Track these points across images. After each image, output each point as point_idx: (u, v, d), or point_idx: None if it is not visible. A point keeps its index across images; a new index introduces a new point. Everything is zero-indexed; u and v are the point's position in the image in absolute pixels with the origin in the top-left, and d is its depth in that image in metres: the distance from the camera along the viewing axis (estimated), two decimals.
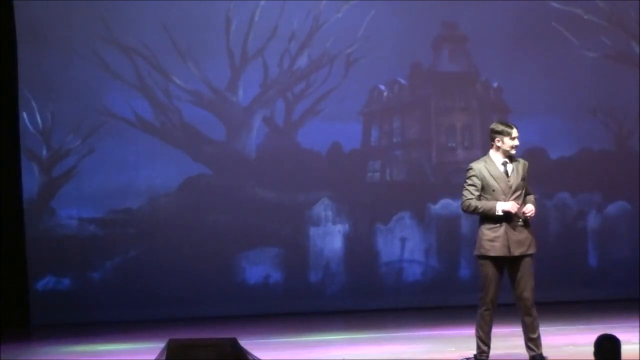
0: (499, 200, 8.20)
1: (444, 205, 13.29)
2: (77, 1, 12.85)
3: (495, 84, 13.45)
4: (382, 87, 13.35)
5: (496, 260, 8.23)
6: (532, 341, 8.34)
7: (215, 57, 13.07)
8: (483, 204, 8.21)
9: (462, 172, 13.35)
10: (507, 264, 8.28)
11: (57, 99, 12.86)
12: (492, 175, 8.26)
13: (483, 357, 8.40)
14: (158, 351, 6.96)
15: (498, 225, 8.19)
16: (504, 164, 8.30)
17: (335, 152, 13.26)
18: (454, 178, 13.32)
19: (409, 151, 13.38)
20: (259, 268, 13.11)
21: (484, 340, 8.38)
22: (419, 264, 13.31)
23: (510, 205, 8.14)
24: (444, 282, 13.28)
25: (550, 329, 8.83)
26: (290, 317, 12.72)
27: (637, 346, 8.70)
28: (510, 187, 8.23)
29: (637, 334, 9.35)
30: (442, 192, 13.30)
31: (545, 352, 8.41)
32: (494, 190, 8.23)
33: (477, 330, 8.42)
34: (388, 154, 13.34)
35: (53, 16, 12.82)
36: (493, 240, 8.20)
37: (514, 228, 8.20)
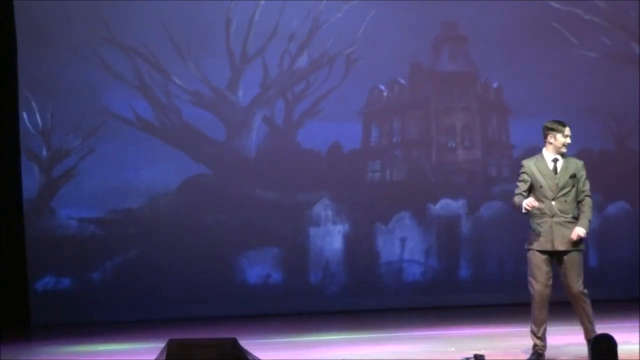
0: (547, 197, 8.31)
1: (444, 205, 13.30)
2: (77, 1, 12.85)
3: (495, 84, 13.45)
4: (382, 87, 13.35)
5: (541, 253, 8.37)
6: (585, 325, 8.47)
7: (215, 57, 13.08)
8: (517, 201, 8.35)
9: (462, 172, 13.49)
10: (554, 258, 8.41)
11: (57, 99, 12.87)
12: (540, 172, 8.39)
13: (537, 351, 8.43)
14: (158, 351, 6.97)
15: (545, 220, 8.32)
16: (554, 161, 8.44)
17: (335, 152, 13.27)
18: (454, 178, 13.34)
19: (409, 151, 13.39)
20: (259, 268, 13.11)
21: (535, 334, 8.46)
22: (418, 264, 13.31)
23: (525, 203, 8.20)
24: (444, 282, 13.29)
25: (550, 329, 8.81)
26: (290, 317, 12.72)
27: (637, 346, 8.70)
28: (557, 185, 8.36)
29: (637, 334, 9.35)
30: (442, 192, 13.31)
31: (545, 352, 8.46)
32: (541, 187, 8.37)
33: (530, 324, 8.50)
34: (388, 154, 13.35)
35: (53, 16, 12.83)
36: (539, 234, 8.35)
37: (561, 224, 8.33)
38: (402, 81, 13.38)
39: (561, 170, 8.41)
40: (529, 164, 8.47)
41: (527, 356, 8.49)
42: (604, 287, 13.27)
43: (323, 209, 13.22)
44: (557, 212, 8.32)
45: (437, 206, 13.32)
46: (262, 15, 13.10)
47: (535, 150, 13.09)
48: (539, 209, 8.27)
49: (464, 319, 12.02)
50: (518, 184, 8.47)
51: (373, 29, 13.16)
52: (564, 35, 13.35)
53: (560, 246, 8.35)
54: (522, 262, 13.27)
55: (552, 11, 13.31)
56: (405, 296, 13.28)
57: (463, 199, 13.32)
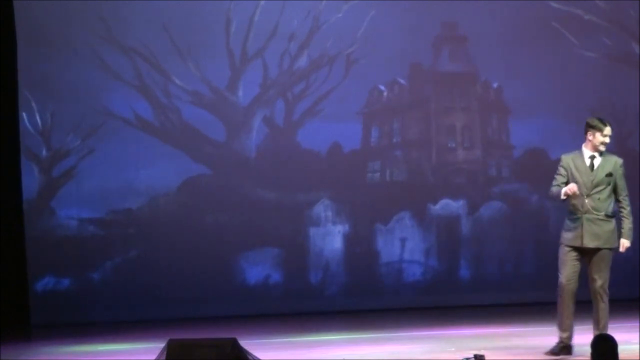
0: (581, 194, 8.39)
1: (444, 205, 13.30)
2: (77, 1, 12.84)
3: (495, 84, 13.45)
4: (382, 87, 13.35)
5: (571, 248, 8.46)
6: (597, 323, 8.55)
7: (215, 57, 13.07)
8: (555, 190, 8.46)
9: (462, 172, 13.49)
10: (584, 254, 8.49)
11: (57, 99, 12.86)
12: (577, 168, 8.50)
13: (560, 342, 8.51)
14: (158, 351, 6.97)
15: (577, 216, 8.42)
16: (592, 157, 8.54)
17: (335, 152, 13.26)
18: (454, 178, 13.34)
19: (409, 151, 13.39)
20: (259, 268, 13.11)
21: (559, 327, 8.54)
22: (418, 264, 13.31)
23: (567, 187, 8.29)
24: (444, 282, 13.29)
25: (550, 329, 8.83)
26: (290, 317, 12.72)
27: (637, 346, 8.71)
28: (592, 181, 8.46)
29: (637, 334, 9.36)
30: (442, 192, 13.31)
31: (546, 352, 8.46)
32: (576, 183, 8.44)
33: (557, 318, 8.58)
34: (388, 154, 13.34)
35: (53, 16, 12.82)
36: (570, 230, 8.46)
37: (592, 221, 8.41)
38: (402, 81, 13.38)
39: (598, 167, 8.49)
40: (567, 159, 8.58)
41: (527, 356, 8.50)
42: None
43: (323, 209, 13.22)
44: (590, 209, 8.41)
45: (437, 206, 13.32)
46: (262, 15, 13.09)
47: (535, 150, 13.26)
48: (572, 205, 8.37)
49: (464, 319, 12.01)
50: (556, 176, 8.57)
51: (373, 29, 13.15)
52: (564, 35, 13.35)
53: (590, 243, 8.43)
54: (522, 262, 13.38)
55: (552, 11, 13.31)
56: (405, 296, 13.28)
57: (463, 199, 13.32)
